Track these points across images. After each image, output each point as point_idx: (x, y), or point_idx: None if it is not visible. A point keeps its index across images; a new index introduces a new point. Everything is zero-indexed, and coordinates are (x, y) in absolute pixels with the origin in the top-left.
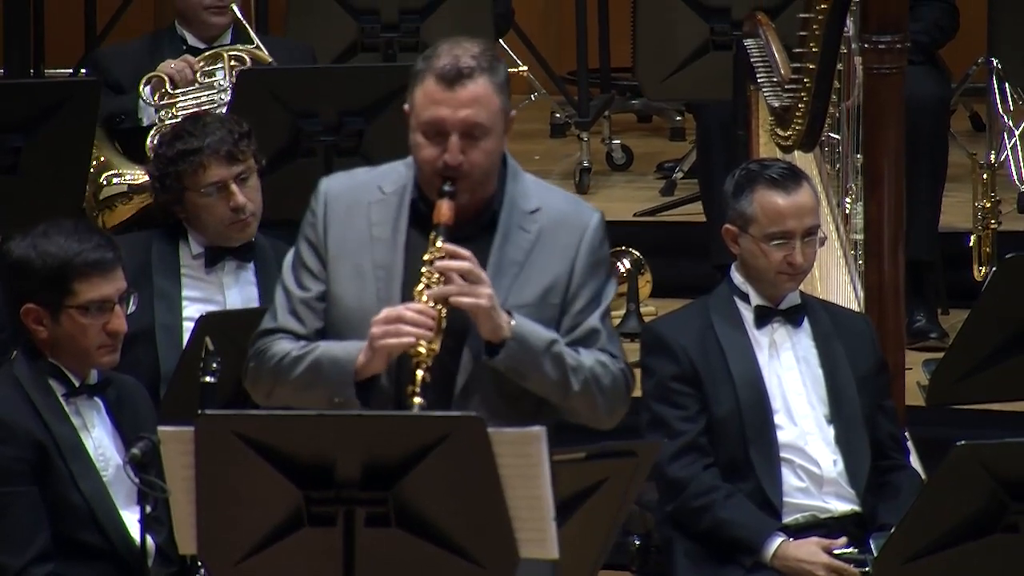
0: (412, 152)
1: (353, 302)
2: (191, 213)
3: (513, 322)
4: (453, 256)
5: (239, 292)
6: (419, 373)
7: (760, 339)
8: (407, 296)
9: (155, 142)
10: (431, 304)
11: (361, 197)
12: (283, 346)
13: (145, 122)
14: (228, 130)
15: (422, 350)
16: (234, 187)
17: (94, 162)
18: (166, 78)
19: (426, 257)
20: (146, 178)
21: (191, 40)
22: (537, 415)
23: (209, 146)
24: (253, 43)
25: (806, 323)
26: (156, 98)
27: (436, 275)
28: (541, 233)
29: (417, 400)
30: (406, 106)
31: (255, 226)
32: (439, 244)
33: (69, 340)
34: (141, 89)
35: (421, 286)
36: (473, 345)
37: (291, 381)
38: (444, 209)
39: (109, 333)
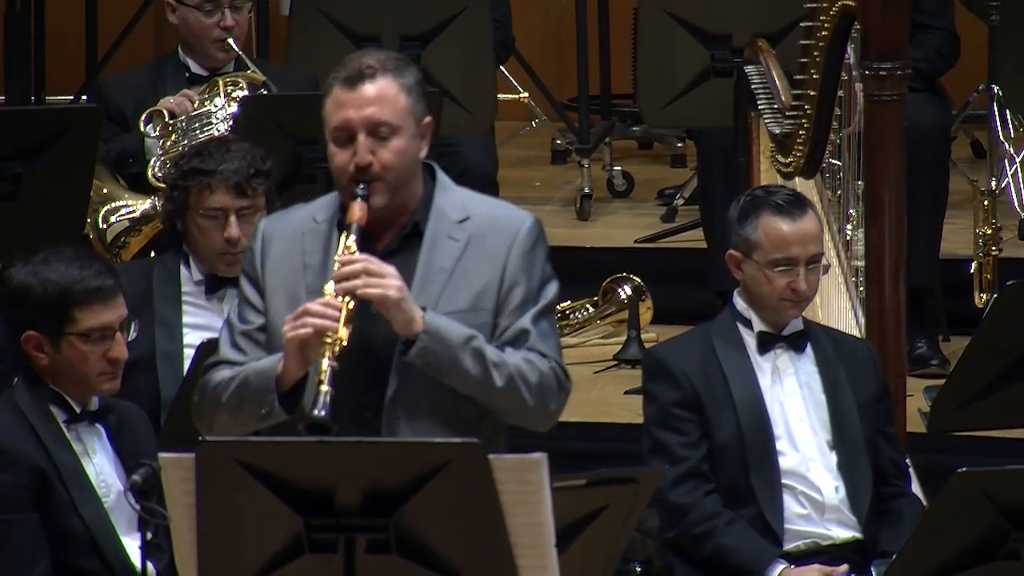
0: (330, 167)
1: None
2: (189, 231)
3: (427, 316)
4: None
5: None
6: (324, 361)
7: (763, 365)
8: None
9: (165, 166)
10: (337, 298)
11: (296, 229)
12: (221, 374)
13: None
14: (248, 163)
15: (328, 339)
16: (232, 219)
17: (93, 194)
18: (166, 112)
19: (336, 256)
20: (146, 206)
21: (194, 68)
22: (479, 423)
23: (222, 172)
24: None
25: (809, 349)
26: (157, 130)
27: (341, 270)
28: (470, 240)
29: (323, 388)
30: (323, 115)
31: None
32: (350, 243)
33: (70, 367)
34: (141, 125)
35: (330, 283)
36: (399, 346)
37: (224, 404)
38: (355, 209)
39: (110, 360)
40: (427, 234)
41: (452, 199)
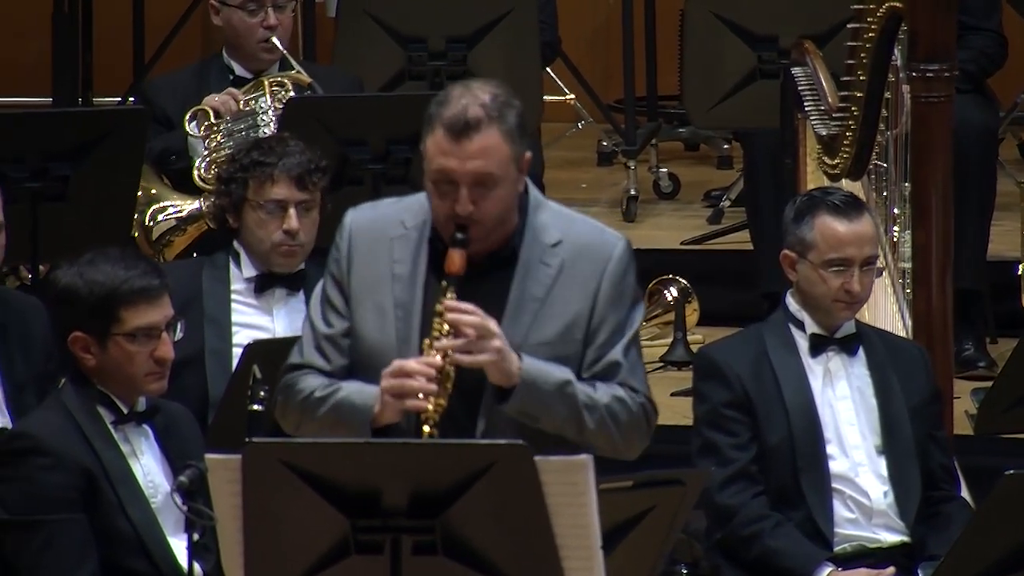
0: (428, 193)
1: (375, 341)
2: (244, 226)
3: (523, 366)
4: (461, 311)
5: (288, 320)
6: (425, 429)
7: (815, 367)
8: (425, 335)
9: (211, 167)
10: (438, 356)
11: (384, 232)
12: (310, 382)
13: (197, 160)
14: (307, 158)
15: (429, 406)
16: (292, 211)
17: (141, 195)
18: (211, 111)
19: (437, 308)
20: (193, 206)
21: (238, 70)
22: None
23: (283, 164)
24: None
25: (861, 352)
26: (202, 130)
27: (446, 327)
28: (563, 267)
29: None
30: (422, 146)
31: (301, 258)
32: (449, 296)
33: (116, 368)
34: (186, 124)
35: (429, 340)
36: (493, 391)
37: (316, 419)
38: (455, 258)
39: (156, 360)
40: (521, 258)
41: (545, 219)
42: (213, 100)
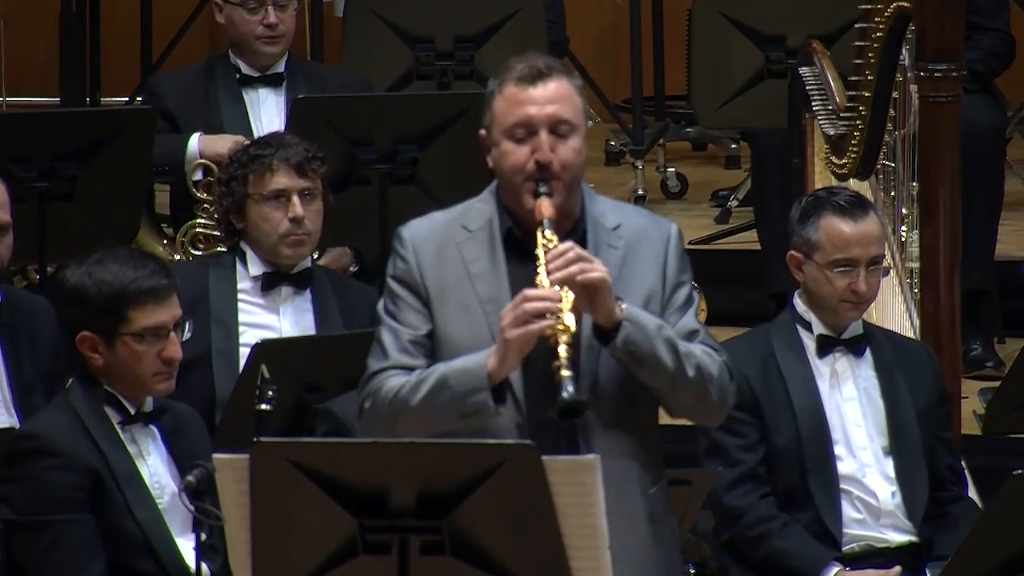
0: (497, 166)
1: (466, 340)
2: (249, 223)
3: (624, 305)
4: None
5: (295, 318)
6: (561, 348)
7: (822, 369)
8: None
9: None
10: (554, 287)
11: (448, 238)
12: (398, 379)
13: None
14: (304, 147)
15: (560, 326)
16: (295, 199)
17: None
18: (214, 166)
19: (538, 251)
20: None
21: (244, 69)
22: (654, 428)
23: (280, 154)
24: (305, 71)
25: (868, 353)
26: (203, 193)
27: (553, 261)
28: (627, 248)
29: (565, 373)
30: (482, 131)
31: (309, 248)
32: (549, 235)
33: (124, 368)
34: (191, 174)
35: (539, 276)
36: (590, 371)
37: (414, 406)
38: (545, 204)
39: (164, 360)
40: (589, 243)
41: (600, 207)
42: (219, 149)
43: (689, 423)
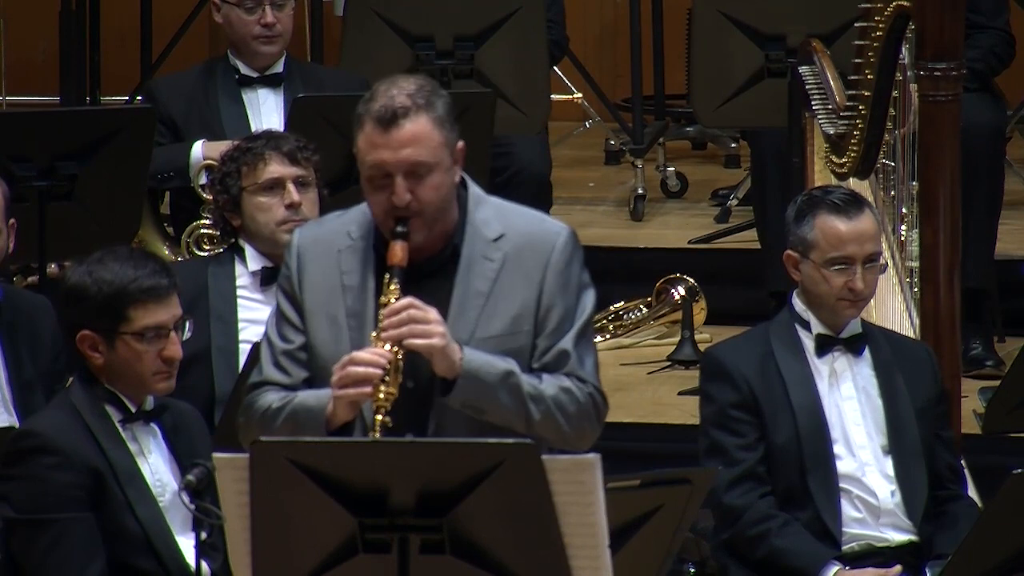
0: (365, 196)
1: (330, 352)
2: (246, 216)
3: (464, 357)
4: (410, 306)
5: None
6: (378, 418)
7: (820, 368)
8: None
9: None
10: (386, 347)
11: (331, 245)
12: (267, 398)
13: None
14: (294, 138)
15: (381, 395)
16: (290, 186)
17: (135, 242)
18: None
19: (381, 300)
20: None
21: (243, 69)
22: None
23: (271, 144)
24: (303, 71)
25: (867, 352)
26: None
27: (387, 319)
28: (506, 260)
29: None
30: (355, 149)
31: None
32: (392, 287)
33: (125, 366)
34: (196, 178)
35: (376, 332)
36: (438, 385)
37: (275, 431)
38: (397, 250)
39: (164, 360)
40: (463, 254)
41: (486, 214)
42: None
43: (687, 423)
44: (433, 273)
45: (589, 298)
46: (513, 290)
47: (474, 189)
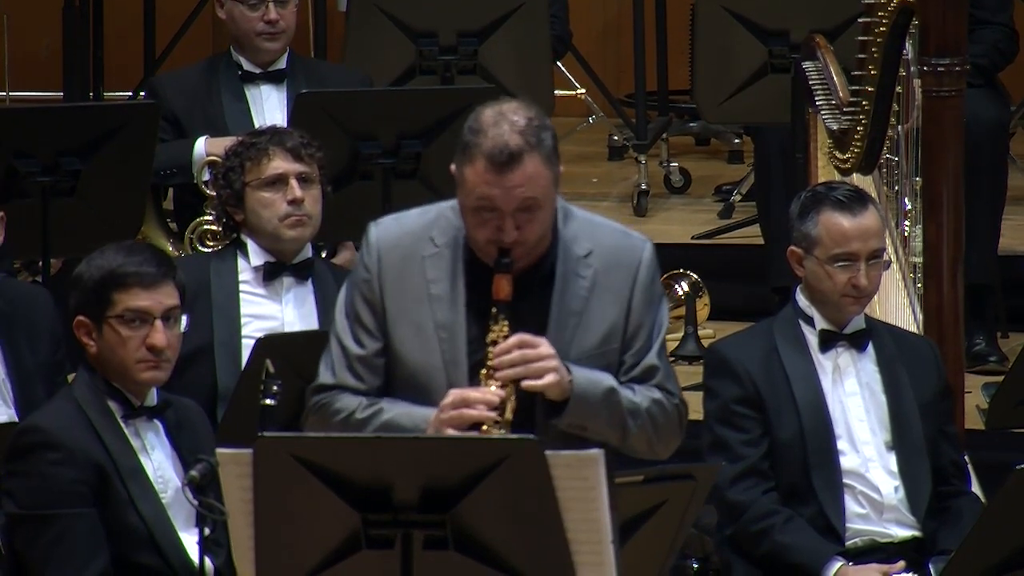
0: (463, 217)
1: (418, 362)
2: (249, 211)
3: (573, 379)
4: (521, 343)
5: (297, 309)
6: None
7: (824, 363)
8: (472, 355)
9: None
10: (498, 386)
11: (414, 250)
12: (347, 402)
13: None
14: (298, 135)
15: (497, 424)
16: (293, 181)
17: (139, 238)
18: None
19: (490, 338)
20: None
21: (246, 66)
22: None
23: (275, 139)
24: (306, 67)
25: (870, 348)
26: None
27: (499, 357)
28: (596, 277)
29: None
30: (453, 167)
31: (310, 231)
32: (501, 324)
33: (111, 353)
34: (199, 174)
35: (485, 369)
36: (543, 408)
37: None
38: (504, 285)
39: (149, 347)
40: (558, 273)
41: (574, 229)
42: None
43: (691, 419)
44: (527, 293)
45: (665, 310)
46: (604, 308)
47: (562, 204)
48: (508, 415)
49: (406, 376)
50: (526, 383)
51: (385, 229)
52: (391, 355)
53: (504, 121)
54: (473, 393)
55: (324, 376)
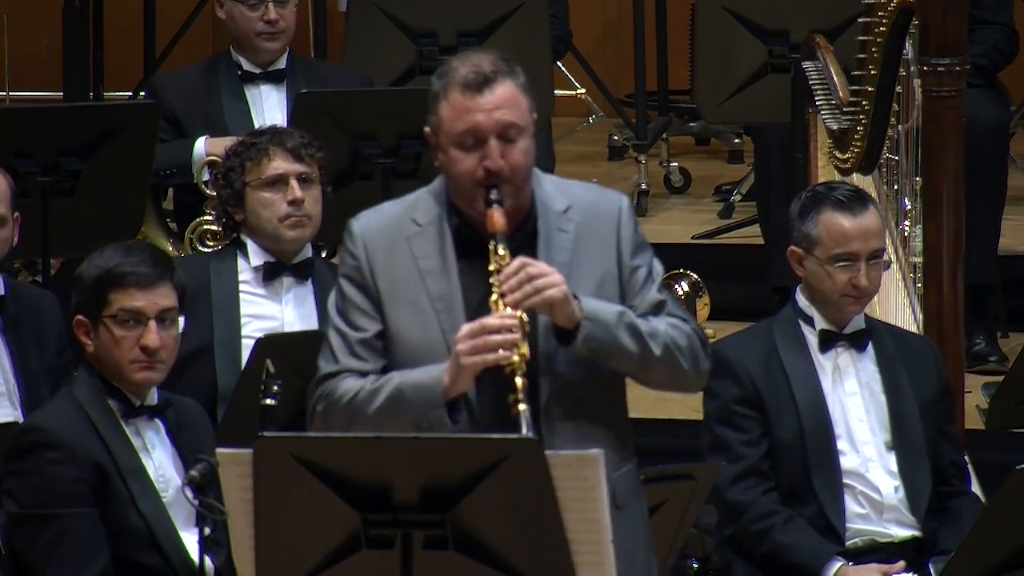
0: (446, 170)
1: (418, 339)
2: (249, 211)
3: (581, 302)
4: (524, 264)
5: (297, 308)
6: (519, 380)
7: (824, 363)
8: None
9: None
10: (509, 308)
11: (398, 232)
12: (352, 384)
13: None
14: (299, 135)
15: (515, 358)
16: (293, 182)
17: (139, 238)
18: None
19: (491, 267)
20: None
21: (246, 66)
22: (624, 414)
23: (275, 139)
24: (305, 67)
25: (870, 348)
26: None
27: (507, 282)
28: (578, 230)
29: (522, 407)
30: (427, 129)
31: (310, 231)
32: (500, 252)
33: (106, 352)
34: (204, 175)
35: (495, 296)
36: (548, 357)
37: (371, 414)
38: (497, 217)
39: (143, 348)
40: (540, 230)
41: (549, 189)
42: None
43: (690, 419)
44: (514, 252)
45: (656, 259)
46: (592, 257)
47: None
48: (526, 338)
49: (408, 355)
50: (537, 298)
51: (366, 219)
52: (390, 338)
53: (473, 57)
54: (491, 320)
55: (326, 366)
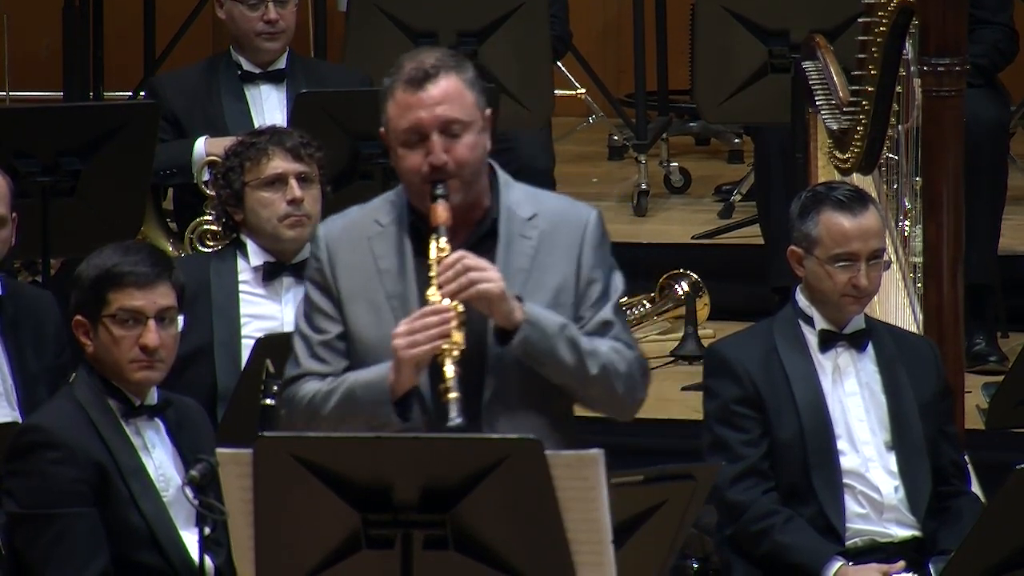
0: (396, 169)
1: (373, 337)
2: (248, 211)
3: (524, 305)
4: (463, 256)
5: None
6: (447, 368)
7: (824, 363)
8: None
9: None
10: (445, 302)
11: (360, 233)
12: (311, 386)
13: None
14: (298, 135)
15: (446, 346)
16: (293, 181)
17: (139, 238)
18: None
19: (432, 258)
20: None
21: (246, 65)
22: (569, 418)
23: (274, 139)
24: (305, 67)
25: (870, 348)
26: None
27: (443, 274)
28: (542, 237)
29: (452, 395)
30: (382, 130)
31: (310, 232)
32: (443, 244)
33: (105, 352)
34: (204, 175)
35: (432, 288)
36: (494, 352)
37: (326, 416)
38: (440, 210)
39: (142, 348)
40: (501, 233)
41: (517, 196)
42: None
43: (690, 419)
44: (472, 251)
45: (619, 279)
46: (553, 265)
47: (502, 174)
48: (462, 328)
49: (365, 354)
50: (472, 290)
51: (331, 223)
52: (349, 337)
53: (419, 55)
54: (424, 310)
55: (290, 371)
